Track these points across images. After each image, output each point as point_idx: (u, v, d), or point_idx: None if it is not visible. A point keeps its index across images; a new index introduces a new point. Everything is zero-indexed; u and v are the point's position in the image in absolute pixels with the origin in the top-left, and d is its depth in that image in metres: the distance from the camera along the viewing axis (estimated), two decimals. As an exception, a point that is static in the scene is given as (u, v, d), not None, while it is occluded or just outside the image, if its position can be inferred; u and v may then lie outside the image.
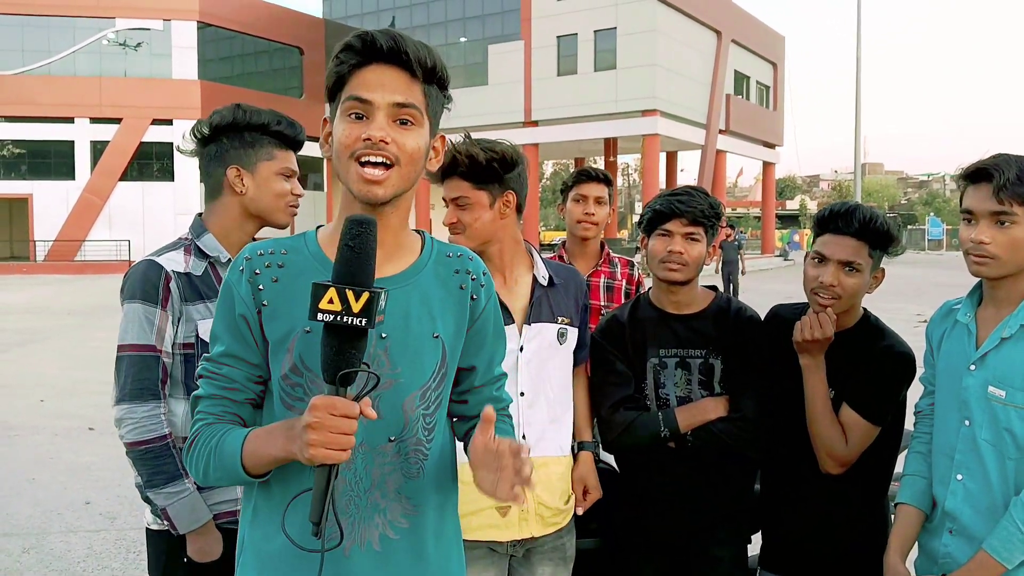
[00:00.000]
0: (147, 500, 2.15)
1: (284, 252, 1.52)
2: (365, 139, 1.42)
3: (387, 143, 1.43)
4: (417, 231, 1.64)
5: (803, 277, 2.36)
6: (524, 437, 2.31)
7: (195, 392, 1.55)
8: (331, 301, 1.28)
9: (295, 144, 2.38)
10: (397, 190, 1.47)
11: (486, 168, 2.28)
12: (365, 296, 1.29)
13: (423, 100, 1.48)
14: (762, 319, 2.53)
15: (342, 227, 1.34)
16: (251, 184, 2.29)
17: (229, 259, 2.25)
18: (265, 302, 1.49)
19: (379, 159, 1.43)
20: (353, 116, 1.45)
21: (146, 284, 2.14)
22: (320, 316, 1.28)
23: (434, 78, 1.50)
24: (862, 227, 2.26)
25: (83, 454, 6.53)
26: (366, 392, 1.34)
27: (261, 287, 1.49)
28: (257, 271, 1.50)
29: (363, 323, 1.29)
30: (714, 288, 2.60)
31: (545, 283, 2.38)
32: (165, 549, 2.20)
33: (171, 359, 2.17)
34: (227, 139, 2.29)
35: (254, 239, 2.29)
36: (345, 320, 1.28)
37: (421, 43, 1.48)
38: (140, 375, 2.12)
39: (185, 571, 2.18)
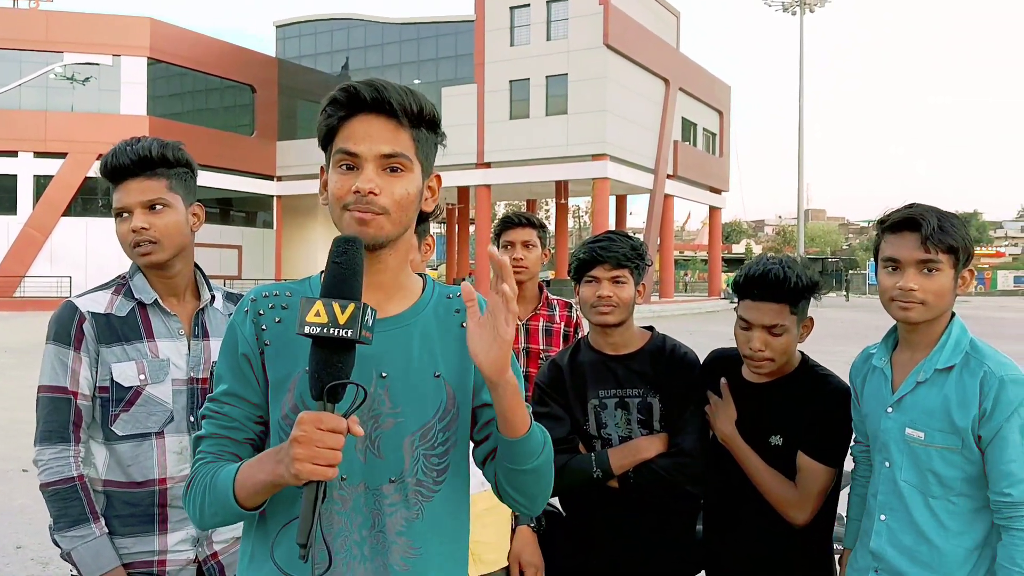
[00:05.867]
0: (55, 543, 2.13)
1: (288, 295, 1.55)
2: (355, 191, 1.45)
3: (376, 194, 1.45)
4: (420, 274, 1.65)
5: (735, 339, 2.42)
6: None
7: (197, 432, 1.55)
8: (317, 314, 1.31)
9: (120, 173, 2.17)
10: (388, 234, 1.49)
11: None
12: (351, 308, 1.31)
13: (412, 145, 1.50)
14: (701, 361, 2.59)
15: (330, 248, 1.38)
16: None
17: (155, 300, 2.22)
18: (268, 341, 1.51)
19: (367, 212, 1.45)
20: (344, 167, 1.48)
21: (60, 326, 2.15)
22: (307, 329, 1.31)
23: (422, 122, 1.52)
24: (777, 291, 2.31)
25: (16, 496, 6.31)
26: (354, 409, 1.33)
27: (264, 327, 1.52)
28: (261, 311, 1.53)
29: (348, 334, 1.30)
30: (650, 328, 2.66)
31: None
32: None
33: (90, 402, 2.16)
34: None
35: (167, 277, 2.23)
36: (331, 332, 1.30)
37: (406, 89, 1.50)
38: (50, 417, 2.12)
39: None
